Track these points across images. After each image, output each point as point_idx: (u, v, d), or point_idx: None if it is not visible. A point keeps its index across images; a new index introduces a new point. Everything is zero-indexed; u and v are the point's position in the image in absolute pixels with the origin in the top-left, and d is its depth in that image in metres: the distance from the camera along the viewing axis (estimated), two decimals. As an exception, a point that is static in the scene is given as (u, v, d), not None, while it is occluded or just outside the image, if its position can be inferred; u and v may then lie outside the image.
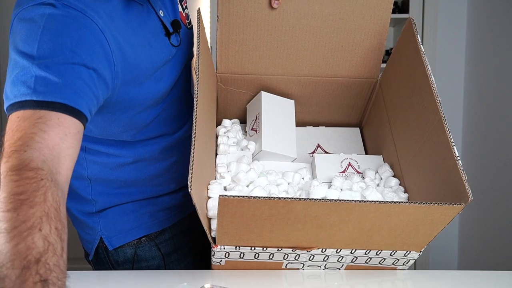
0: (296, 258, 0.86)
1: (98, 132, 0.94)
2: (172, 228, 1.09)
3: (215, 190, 0.86)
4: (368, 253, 0.85)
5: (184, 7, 1.06)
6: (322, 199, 0.74)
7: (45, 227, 0.63)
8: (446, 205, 0.75)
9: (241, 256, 0.85)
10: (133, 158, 1.00)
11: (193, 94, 0.90)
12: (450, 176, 0.80)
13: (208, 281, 0.86)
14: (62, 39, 0.77)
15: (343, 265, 0.89)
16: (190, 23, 1.08)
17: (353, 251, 0.85)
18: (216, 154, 1.00)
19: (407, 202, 0.76)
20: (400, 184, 0.97)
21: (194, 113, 0.81)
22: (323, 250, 0.84)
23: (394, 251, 0.85)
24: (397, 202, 0.77)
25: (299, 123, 1.12)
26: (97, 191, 1.02)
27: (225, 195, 0.72)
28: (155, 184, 1.05)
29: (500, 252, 2.15)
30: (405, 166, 0.96)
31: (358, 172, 1.01)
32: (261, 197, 0.73)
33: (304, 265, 0.89)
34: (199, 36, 0.91)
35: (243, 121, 1.13)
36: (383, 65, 1.08)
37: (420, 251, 0.85)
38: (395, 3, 2.75)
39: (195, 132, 0.78)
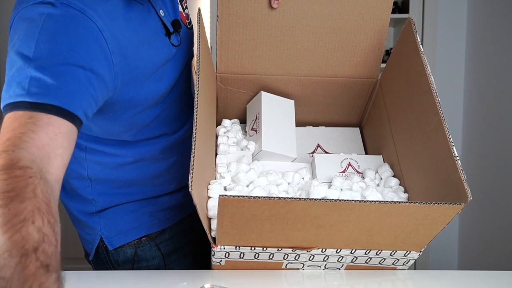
0: (296, 258, 0.86)
1: (98, 132, 0.95)
2: (172, 228, 1.09)
3: (215, 190, 0.86)
4: (368, 253, 0.85)
5: (184, 7, 1.06)
6: (322, 199, 0.74)
7: (37, 220, 0.62)
8: (446, 205, 0.75)
9: (241, 256, 0.85)
10: (133, 157, 1.00)
11: (193, 94, 0.90)
12: (449, 176, 0.80)
13: (208, 281, 0.86)
14: (60, 39, 0.76)
15: (343, 265, 0.89)
16: (190, 23, 1.08)
17: (353, 251, 0.85)
18: (216, 154, 1.00)
19: (407, 202, 0.76)
20: (400, 184, 0.97)
21: (195, 113, 0.81)
22: (323, 250, 0.84)
23: (394, 251, 0.85)
24: (397, 202, 0.77)
25: (299, 123, 1.12)
26: (98, 191, 1.02)
27: (225, 195, 0.72)
28: (155, 184, 1.05)
29: (500, 252, 2.15)
30: (405, 166, 0.96)
31: (358, 172, 1.01)
32: (261, 197, 0.73)
33: (304, 265, 0.89)
34: (199, 36, 0.91)
35: (243, 121, 1.13)
36: (383, 65, 1.08)
37: (420, 251, 0.86)
38: (395, 3, 2.75)
39: (195, 132, 0.78)
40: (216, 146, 1.02)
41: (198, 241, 1.11)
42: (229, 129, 1.06)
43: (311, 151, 1.11)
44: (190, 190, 0.71)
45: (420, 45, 0.94)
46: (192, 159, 0.74)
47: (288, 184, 0.95)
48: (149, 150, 1.01)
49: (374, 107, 1.12)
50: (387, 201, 0.77)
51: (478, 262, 2.38)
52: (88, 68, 0.77)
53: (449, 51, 2.60)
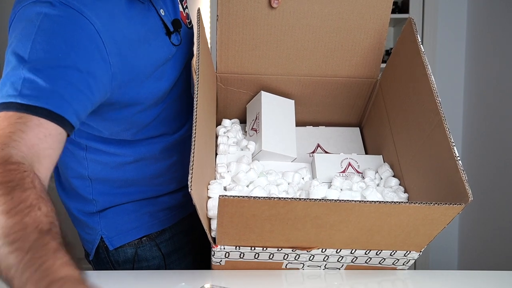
0: (296, 258, 0.86)
1: (98, 130, 0.94)
2: (173, 228, 1.09)
3: (215, 190, 0.86)
4: (368, 253, 0.85)
5: (184, 7, 1.06)
6: (322, 199, 0.74)
7: (43, 207, 0.63)
8: (446, 205, 0.75)
9: (241, 256, 0.85)
10: (133, 157, 1.00)
11: (193, 94, 0.90)
12: (450, 176, 0.80)
13: (208, 281, 0.86)
14: (56, 40, 0.76)
15: (343, 265, 0.89)
16: (190, 22, 1.08)
17: (353, 251, 0.85)
18: (216, 154, 1.00)
19: (407, 202, 0.76)
20: (400, 184, 0.97)
21: (194, 113, 0.81)
22: (323, 250, 0.84)
23: (394, 251, 0.85)
24: (397, 202, 0.77)
25: (299, 123, 1.12)
26: (98, 190, 1.02)
27: (225, 195, 0.72)
28: (156, 184, 1.05)
29: (500, 252, 2.15)
30: (405, 166, 0.96)
31: (358, 172, 1.01)
32: (261, 197, 0.73)
33: (304, 265, 0.89)
34: (199, 36, 0.91)
35: (243, 121, 1.13)
36: (383, 65, 1.08)
37: (420, 251, 0.85)
38: (395, 3, 2.75)
39: (195, 132, 0.78)
40: (216, 146, 1.02)
41: (198, 241, 1.11)
42: (229, 129, 1.06)
43: (311, 151, 1.10)
44: (189, 190, 0.71)
45: (421, 45, 0.93)
46: (191, 159, 0.74)
47: (288, 184, 0.95)
48: (149, 150, 1.01)
49: (374, 107, 1.12)
50: (387, 201, 0.77)
51: (478, 262, 2.38)
52: (84, 70, 0.77)
53: (449, 51, 2.60)
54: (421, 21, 2.61)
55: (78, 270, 0.58)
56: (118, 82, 0.84)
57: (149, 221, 1.05)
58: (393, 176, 0.99)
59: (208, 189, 0.86)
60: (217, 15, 1.00)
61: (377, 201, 0.76)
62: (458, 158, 0.79)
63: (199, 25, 0.93)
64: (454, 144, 0.81)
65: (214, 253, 0.84)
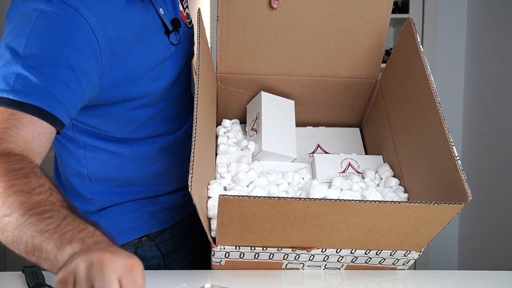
0: (296, 258, 0.86)
1: (95, 127, 0.94)
2: (172, 228, 1.09)
3: (215, 190, 0.86)
4: (368, 253, 0.85)
5: (185, 6, 1.06)
6: (322, 199, 0.74)
7: (59, 194, 0.64)
8: (446, 205, 0.75)
9: (241, 256, 0.85)
10: (132, 156, 1.00)
11: (193, 94, 0.90)
12: (449, 176, 0.80)
13: (208, 281, 0.86)
14: (51, 38, 0.77)
15: (343, 265, 0.89)
16: (191, 22, 1.08)
17: (353, 251, 0.85)
18: (216, 154, 1.00)
19: (407, 202, 0.76)
20: (400, 184, 0.97)
21: (195, 113, 0.81)
22: (323, 250, 0.84)
23: (394, 251, 0.85)
24: (397, 202, 0.77)
25: (299, 123, 1.12)
26: (97, 189, 1.02)
27: (225, 195, 0.72)
28: (155, 183, 1.05)
29: (500, 252, 2.15)
30: (405, 166, 0.96)
31: (358, 172, 1.01)
32: (261, 196, 0.73)
33: (304, 265, 0.89)
34: (199, 36, 0.91)
35: (243, 121, 1.13)
36: (383, 65, 1.08)
37: (420, 251, 0.86)
38: (395, 3, 2.75)
39: (195, 132, 0.78)
40: (216, 146, 1.02)
41: (198, 241, 1.11)
42: (229, 129, 1.06)
43: (311, 151, 1.11)
44: (190, 190, 0.71)
45: (420, 45, 0.94)
46: (192, 159, 0.74)
47: (288, 184, 0.95)
48: (148, 149, 1.01)
49: (374, 107, 1.12)
50: (387, 201, 0.77)
51: (478, 262, 2.38)
52: (77, 68, 0.78)
53: (449, 51, 2.60)
54: (421, 21, 2.61)
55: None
56: (107, 80, 0.85)
57: (149, 221, 1.05)
58: (393, 176, 0.99)
59: (208, 189, 0.86)
60: (218, 16, 1.00)
61: (377, 201, 0.76)
62: (458, 158, 0.79)
63: (199, 25, 0.93)
64: (453, 144, 0.81)
65: (214, 253, 0.84)
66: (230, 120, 1.11)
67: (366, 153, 1.11)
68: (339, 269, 0.90)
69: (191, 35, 1.05)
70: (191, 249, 1.13)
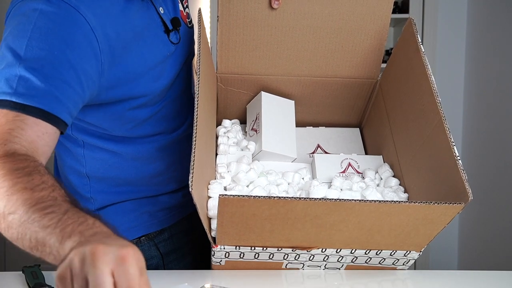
0: (296, 258, 0.86)
1: (94, 125, 0.95)
2: (172, 228, 1.09)
3: (215, 190, 0.86)
4: (368, 253, 0.86)
5: (185, 6, 1.06)
6: (322, 199, 0.74)
7: (62, 190, 0.65)
8: (446, 204, 0.75)
9: (241, 256, 0.85)
10: (131, 155, 1.00)
11: (194, 94, 0.90)
12: (450, 176, 0.80)
13: (208, 281, 0.86)
14: (51, 38, 0.77)
15: (343, 265, 0.89)
16: (191, 22, 1.08)
17: (353, 251, 0.85)
18: (216, 154, 1.00)
19: (407, 202, 0.76)
20: (400, 184, 0.97)
21: (195, 113, 0.81)
22: (323, 250, 0.84)
23: (394, 251, 0.85)
24: (397, 201, 0.77)
25: (299, 124, 1.12)
26: (96, 189, 1.02)
27: (225, 195, 0.72)
28: (154, 183, 1.05)
29: (500, 252, 2.15)
30: (405, 166, 0.96)
31: (358, 172, 1.01)
32: (261, 196, 0.73)
33: (304, 265, 0.89)
34: (199, 36, 0.91)
35: (243, 122, 1.14)
36: (383, 65, 1.08)
37: (420, 251, 0.86)
38: (395, 3, 2.75)
39: (195, 132, 0.78)
40: (216, 146, 1.02)
41: (198, 241, 1.11)
42: (229, 129, 1.06)
43: (311, 152, 1.11)
44: (190, 189, 0.71)
45: (421, 45, 0.94)
46: (192, 158, 0.74)
47: (288, 184, 0.95)
48: (147, 148, 1.01)
49: (374, 107, 1.12)
50: (387, 201, 0.77)
51: (478, 262, 2.38)
52: (78, 68, 0.78)
53: (449, 51, 2.60)
54: (421, 21, 2.61)
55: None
56: (107, 79, 0.85)
57: (148, 220, 1.05)
58: (393, 176, 0.99)
59: (208, 189, 0.86)
60: (218, 16, 1.00)
61: (377, 201, 0.76)
62: (458, 157, 0.79)
63: (199, 26, 0.93)
64: (454, 144, 0.81)
65: (214, 253, 0.84)
66: (230, 120, 1.11)
67: (366, 153, 1.12)
68: (339, 269, 0.90)
69: (191, 34, 1.06)
70: (191, 249, 1.13)
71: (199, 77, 0.85)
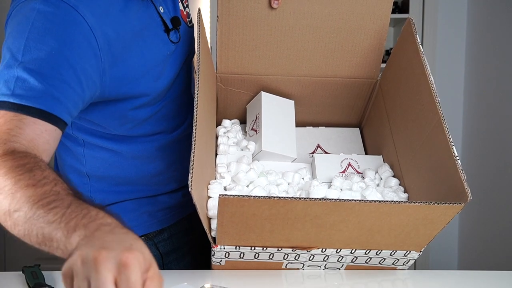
0: (296, 258, 0.86)
1: (95, 124, 0.95)
2: (171, 228, 1.09)
3: (215, 190, 0.86)
4: (368, 253, 0.86)
5: (185, 5, 1.06)
6: (322, 199, 0.74)
7: (65, 183, 0.66)
8: (446, 204, 0.75)
9: (241, 256, 0.85)
10: (131, 154, 1.00)
11: (194, 94, 0.90)
12: (449, 176, 0.80)
13: (208, 281, 0.86)
14: (49, 38, 0.77)
15: (343, 265, 0.89)
16: (191, 21, 1.08)
17: (353, 251, 0.85)
18: (216, 155, 1.00)
19: (407, 202, 0.76)
20: (400, 184, 0.97)
21: (195, 113, 0.81)
22: (323, 250, 0.84)
23: (394, 251, 0.85)
24: (397, 201, 0.77)
25: (299, 124, 1.12)
26: (96, 188, 1.02)
27: (225, 195, 0.72)
28: (154, 182, 1.05)
29: (500, 252, 2.15)
30: (405, 166, 0.96)
31: (358, 172, 1.01)
32: (261, 196, 0.73)
33: (304, 265, 0.89)
34: (199, 36, 0.91)
35: (243, 122, 1.14)
36: (383, 65, 1.08)
37: (420, 251, 0.86)
38: (395, 3, 2.75)
39: (195, 132, 0.78)
40: (216, 146, 1.02)
41: (198, 241, 1.11)
42: (229, 129, 1.06)
43: (311, 152, 1.11)
44: (190, 189, 0.71)
45: (420, 45, 0.94)
46: (192, 158, 0.74)
47: (288, 184, 0.95)
48: (147, 147, 1.01)
49: (374, 107, 1.12)
50: (387, 201, 0.77)
51: (478, 262, 2.38)
52: (77, 67, 0.78)
53: (449, 51, 2.60)
54: (421, 21, 2.61)
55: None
56: (108, 78, 0.85)
57: (147, 220, 1.05)
58: (393, 176, 0.99)
59: (208, 189, 0.86)
60: (217, 16, 1.00)
61: (377, 201, 0.76)
62: (457, 157, 0.79)
63: (199, 26, 0.93)
64: (453, 143, 0.81)
65: (214, 253, 0.84)
66: (230, 120, 1.11)
67: (366, 153, 1.12)
68: (339, 269, 0.90)
69: (191, 33, 1.06)
70: (190, 249, 1.12)
71: (198, 77, 0.85)
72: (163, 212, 1.07)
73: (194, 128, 0.79)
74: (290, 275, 0.89)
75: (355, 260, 0.88)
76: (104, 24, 0.83)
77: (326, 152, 1.11)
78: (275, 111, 1.07)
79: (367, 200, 0.76)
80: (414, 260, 0.89)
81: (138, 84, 0.91)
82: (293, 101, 1.11)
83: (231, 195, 0.73)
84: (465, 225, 2.51)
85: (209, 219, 0.83)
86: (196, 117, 0.81)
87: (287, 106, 1.09)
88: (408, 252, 0.86)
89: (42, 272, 0.84)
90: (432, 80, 0.89)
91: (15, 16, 0.80)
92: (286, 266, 0.89)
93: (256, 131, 1.04)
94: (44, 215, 0.60)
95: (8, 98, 0.73)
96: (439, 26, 2.60)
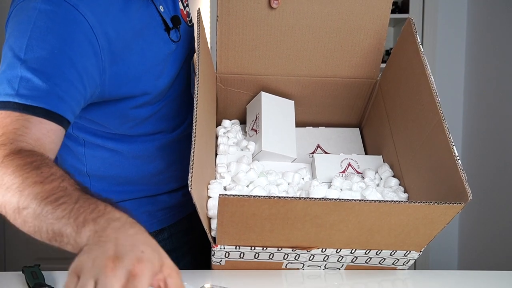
0: (296, 258, 0.86)
1: (95, 123, 0.95)
2: (171, 228, 1.09)
3: (215, 190, 0.86)
4: (368, 253, 0.85)
5: (185, 5, 1.06)
6: (322, 199, 0.74)
7: (72, 180, 0.66)
8: (446, 204, 0.75)
9: (241, 256, 0.85)
10: (132, 153, 1.00)
11: (193, 94, 0.91)
12: (449, 176, 0.80)
13: (208, 281, 0.86)
14: (51, 37, 0.77)
15: (343, 265, 0.89)
16: (191, 20, 1.08)
17: (353, 251, 0.85)
18: (216, 155, 1.00)
19: (407, 202, 0.76)
20: (400, 184, 0.97)
21: (195, 113, 0.81)
22: (323, 250, 0.84)
23: (394, 251, 0.85)
24: (397, 201, 0.77)
25: (299, 124, 1.12)
26: (96, 187, 1.02)
27: (225, 194, 0.72)
28: (154, 182, 1.05)
29: (500, 252, 2.15)
30: (405, 166, 0.96)
31: (358, 172, 1.01)
32: (261, 196, 0.73)
33: (304, 265, 0.89)
34: (199, 36, 0.91)
35: (243, 122, 1.14)
36: (383, 65, 1.08)
37: (420, 251, 0.86)
38: (395, 3, 2.75)
39: (195, 132, 0.78)
40: (216, 146, 1.02)
41: (198, 240, 1.11)
42: (229, 129, 1.06)
43: (311, 152, 1.11)
44: (190, 189, 0.71)
45: (420, 45, 0.94)
46: (192, 158, 0.74)
47: (288, 184, 0.95)
48: (147, 147, 1.01)
49: (374, 107, 1.12)
50: (387, 201, 0.77)
51: (478, 262, 2.38)
52: (78, 66, 0.79)
53: (449, 51, 2.60)
54: (421, 21, 2.61)
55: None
56: (108, 77, 0.85)
57: (147, 220, 1.05)
58: (393, 176, 0.99)
59: (208, 189, 0.86)
60: (217, 16, 1.00)
61: (377, 201, 0.76)
62: (458, 157, 0.79)
63: (199, 26, 0.93)
64: (453, 143, 0.81)
65: (214, 253, 0.84)
66: (230, 120, 1.11)
67: (366, 153, 1.12)
68: (339, 269, 0.90)
69: (191, 33, 1.06)
70: (190, 249, 1.13)
71: (198, 77, 0.85)
72: (163, 211, 1.07)
73: (194, 128, 0.79)
74: (290, 275, 0.89)
75: (355, 260, 0.88)
76: (104, 23, 0.83)
77: (326, 152, 1.11)
78: (275, 111, 1.07)
79: (367, 200, 0.76)
80: (414, 260, 0.89)
81: (139, 83, 0.91)
82: (293, 101, 1.11)
83: (231, 194, 0.73)
84: (465, 225, 2.51)
85: (209, 219, 0.83)
86: (196, 117, 0.81)
87: (287, 106, 1.09)
88: (408, 252, 0.86)
89: (42, 272, 0.84)
90: (432, 80, 0.89)
91: (16, 15, 0.80)
92: (286, 266, 0.89)
93: (256, 131, 1.04)
94: (53, 211, 0.60)
95: (13, 98, 0.73)
96: (439, 26, 2.60)
